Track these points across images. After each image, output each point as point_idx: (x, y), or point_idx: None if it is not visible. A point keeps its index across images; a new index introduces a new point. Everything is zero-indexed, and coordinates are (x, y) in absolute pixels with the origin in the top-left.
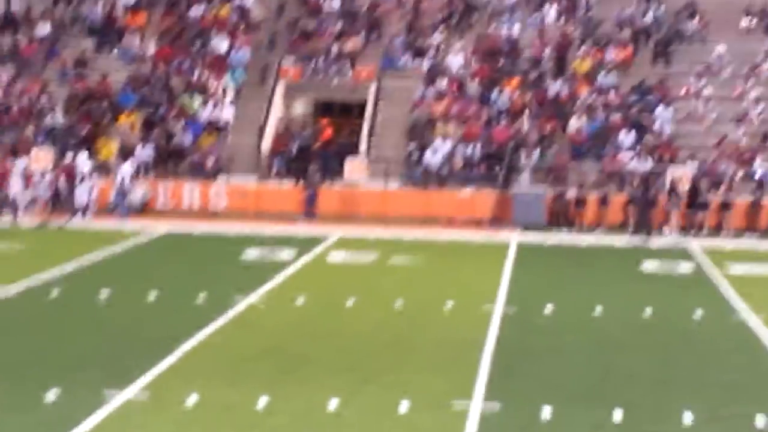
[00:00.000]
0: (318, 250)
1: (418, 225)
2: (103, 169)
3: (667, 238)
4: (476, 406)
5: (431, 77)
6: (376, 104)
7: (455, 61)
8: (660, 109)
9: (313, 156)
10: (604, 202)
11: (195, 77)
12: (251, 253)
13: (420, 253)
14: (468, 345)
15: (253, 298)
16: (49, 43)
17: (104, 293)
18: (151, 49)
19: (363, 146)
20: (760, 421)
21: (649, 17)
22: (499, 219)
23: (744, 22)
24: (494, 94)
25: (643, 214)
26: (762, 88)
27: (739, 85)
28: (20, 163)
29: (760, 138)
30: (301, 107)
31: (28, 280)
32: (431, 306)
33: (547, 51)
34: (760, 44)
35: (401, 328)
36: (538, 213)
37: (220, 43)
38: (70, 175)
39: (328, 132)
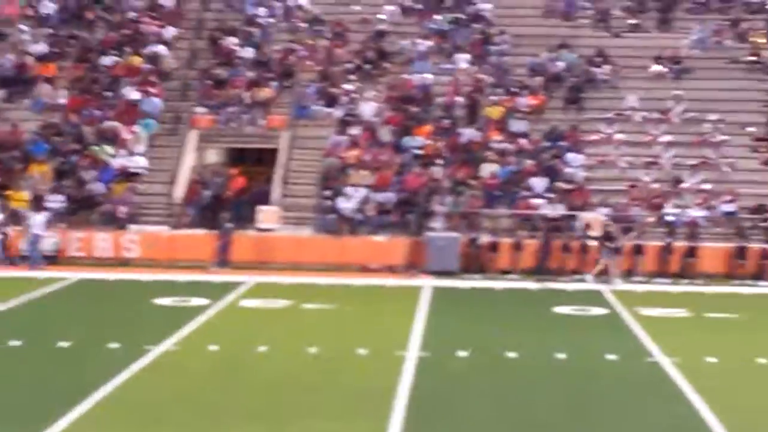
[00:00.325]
0: (231, 296)
1: (332, 272)
2: (14, 218)
3: (587, 282)
4: None
5: (344, 125)
6: (289, 152)
7: (368, 108)
8: (572, 155)
9: (225, 204)
10: (517, 247)
11: (107, 126)
12: (165, 301)
13: (334, 300)
14: (382, 391)
15: (167, 344)
16: None
17: (15, 342)
18: (63, 98)
19: (276, 194)
20: None
21: (560, 64)
22: (413, 265)
23: (654, 69)
24: (407, 141)
25: (544, 259)
26: (672, 134)
27: (650, 131)
28: None
29: (671, 182)
30: (213, 156)
31: None
32: (345, 352)
33: (459, 98)
34: (670, 90)
35: (315, 375)
36: (452, 258)
37: (132, 92)
38: None
39: (240, 180)
